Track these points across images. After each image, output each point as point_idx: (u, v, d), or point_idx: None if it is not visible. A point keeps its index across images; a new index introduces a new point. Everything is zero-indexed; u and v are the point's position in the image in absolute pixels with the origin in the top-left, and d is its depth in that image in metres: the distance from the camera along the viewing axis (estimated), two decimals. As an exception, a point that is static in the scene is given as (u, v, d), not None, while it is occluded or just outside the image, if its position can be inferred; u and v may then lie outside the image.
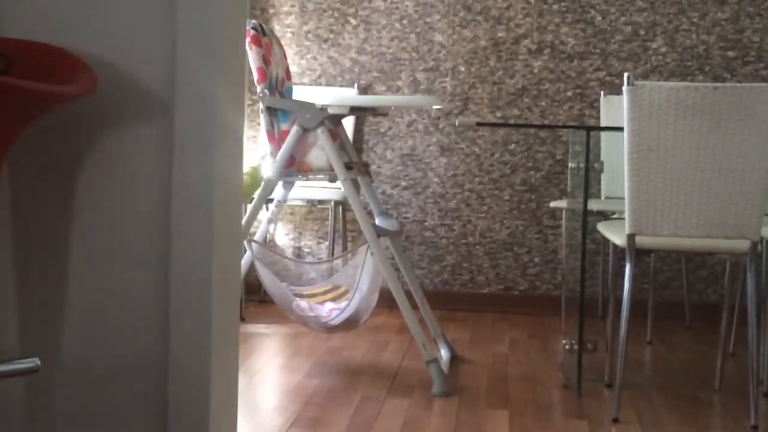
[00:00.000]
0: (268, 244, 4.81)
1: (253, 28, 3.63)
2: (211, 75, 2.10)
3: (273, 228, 5.12)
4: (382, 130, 5.07)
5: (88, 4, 2.11)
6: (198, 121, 2.10)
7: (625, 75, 3.01)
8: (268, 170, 3.65)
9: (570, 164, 3.64)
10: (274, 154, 3.63)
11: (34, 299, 2.16)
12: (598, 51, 4.94)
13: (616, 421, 3.09)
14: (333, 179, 3.63)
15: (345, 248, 4.97)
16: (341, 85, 5.08)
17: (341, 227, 5.01)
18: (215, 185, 2.11)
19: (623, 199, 3.12)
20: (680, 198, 3.05)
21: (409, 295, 3.63)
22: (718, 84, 2.99)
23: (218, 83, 2.11)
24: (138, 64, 2.11)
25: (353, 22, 5.07)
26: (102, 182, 2.13)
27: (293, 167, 3.64)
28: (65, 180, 2.13)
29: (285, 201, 3.87)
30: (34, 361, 1.89)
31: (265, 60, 3.64)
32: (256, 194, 3.66)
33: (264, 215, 4.20)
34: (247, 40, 3.59)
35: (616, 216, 4.18)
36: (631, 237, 3.12)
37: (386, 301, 3.98)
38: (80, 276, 2.15)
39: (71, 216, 2.13)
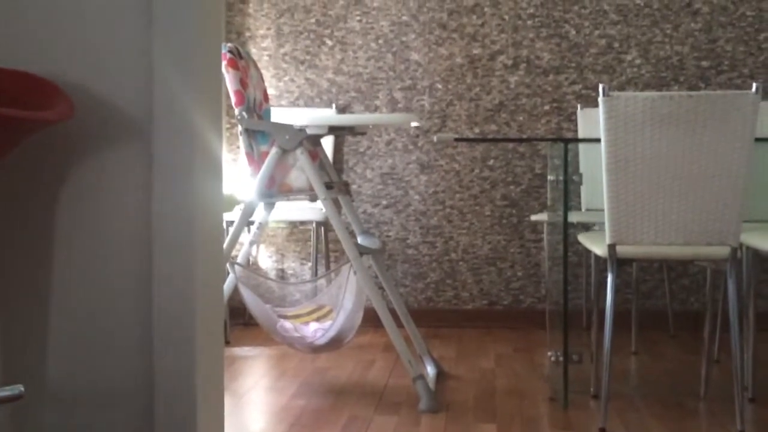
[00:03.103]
0: (250, 266, 4.81)
1: (229, 51, 3.64)
2: (189, 97, 2.10)
3: (255, 250, 5.12)
4: (362, 149, 5.09)
5: (63, 31, 2.11)
6: (176, 143, 2.10)
7: (601, 86, 3.04)
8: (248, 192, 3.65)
9: (549, 177, 3.66)
10: (254, 175, 3.64)
11: (17, 326, 2.15)
12: (573, 65, 4.98)
13: (603, 431, 3.10)
14: (313, 199, 3.64)
15: (328, 268, 4.97)
16: (319, 106, 5.10)
17: (324, 247, 5.01)
18: (196, 207, 2.12)
19: (603, 210, 3.14)
20: (659, 206, 3.07)
21: (393, 314, 3.63)
22: (693, 92, 3.01)
23: (196, 105, 2.11)
24: (115, 88, 2.11)
25: (329, 43, 5.09)
26: (82, 207, 2.13)
27: (274, 188, 3.64)
28: (45, 205, 2.13)
29: (266, 223, 3.87)
30: (18, 388, 1.88)
31: (243, 83, 3.65)
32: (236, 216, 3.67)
33: (246, 237, 4.20)
34: (224, 63, 3.60)
35: (597, 227, 4.20)
36: (611, 247, 3.14)
37: (371, 319, 3.98)
38: (63, 301, 2.15)
39: (52, 242, 2.13)
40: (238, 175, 5.04)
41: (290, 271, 5.16)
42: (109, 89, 2.11)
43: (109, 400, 2.16)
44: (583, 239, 3.58)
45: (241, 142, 3.67)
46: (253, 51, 5.11)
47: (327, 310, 3.81)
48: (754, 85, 3.00)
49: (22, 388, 1.88)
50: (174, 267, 2.10)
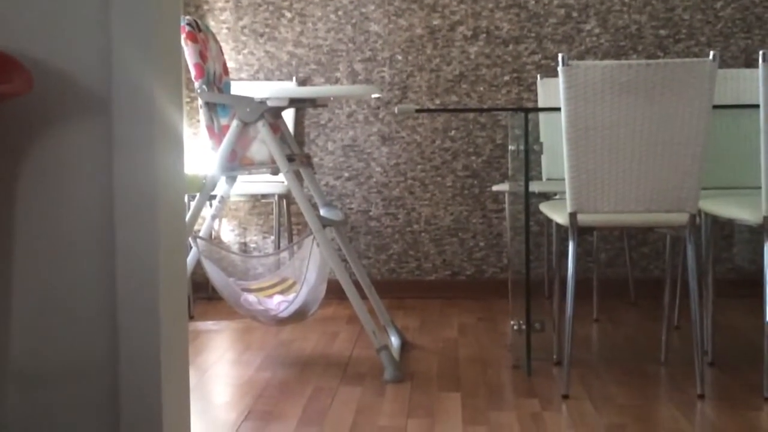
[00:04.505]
0: (213, 240, 4.80)
1: (188, 24, 3.61)
2: (148, 71, 2.09)
3: (217, 224, 5.11)
4: (323, 122, 5.08)
5: (20, 4, 2.09)
6: (137, 117, 2.09)
7: (560, 55, 3.05)
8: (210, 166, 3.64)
9: (510, 147, 3.67)
10: (215, 149, 3.62)
11: (-22, 304, 2.14)
12: (533, 35, 4.99)
13: (566, 397, 3.14)
14: (275, 172, 3.63)
15: (291, 241, 4.97)
16: (279, 79, 5.08)
17: (286, 221, 5.01)
18: (157, 181, 2.11)
19: (564, 180, 3.16)
20: (619, 174, 3.10)
21: (357, 285, 3.64)
22: (651, 61, 3.04)
23: (155, 79, 2.10)
24: (73, 61, 2.09)
25: (288, 15, 5.06)
26: (42, 183, 2.11)
27: (235, 162, 3.63)
28: (4, 181, 2.11)
29: (228, 196, 3.86)
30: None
31: (202, 56, 3.62)
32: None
33: (208, 211, 4.18)
34: (183, 36, 3.57)
35: (558, 197, 4.23)
36: (572, 215, 3.16)
37: (335, 292, 3.99)
38: (24, 278, 2.13)
39: (12, 218, 2.12)
40: (200, 149, 5.02)
41: (253, 245, 5.15)
42: (67, 62, 2.09)
43: (74, 377, 2.15)
44: (545, 208, 3.60)
45: (202, 115, 3.65)
46: (212, 24, 5.07)
47: (291, 283, 3.82)
48: (711, 53, 3.03)
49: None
50: (136, 241, 2.10)
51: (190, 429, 2.35)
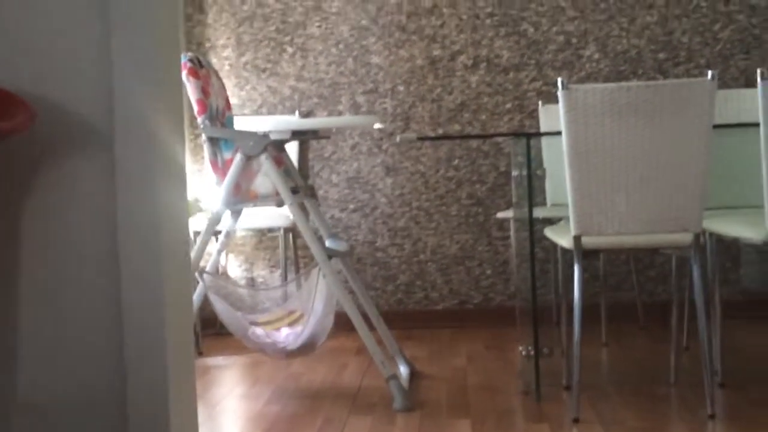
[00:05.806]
0: (220, 275, 4.80)
1: (189, 60, 3.64)
2: (149, 106, 2.11)
3: (224, 258, 5.12)
4: (327, 154, 5.10)
5: (22, 42, 2.11)
6: (139, 152, 2.11)
7: (559, 79, 3.07)
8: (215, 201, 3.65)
9: (513, 173, 3.68)
10: (219, 184, 3.64)
11: (-15, 341, 2.14)
12: (533, 62, 5.02)
13: (576, 421, 3.13)
14: (280, 204, 3.65)
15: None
16: (282, 113, 5.10)
17: (293, 254, 5.01)
18: (161, 214, 2.12)
19: (568, 204, 3.17)
20: (622, 196, 3.10)
21: (365, 317, 3.64)
22: (650, 82, 3.05)
23: (157, 113, 2.12)
24: (75, 98, 2.11)
25: (290, 50, 5.10)
26: (47, 218, 2.13)
27: (239, 196, 3.65)
28: (9, 218, 2.13)
29: (234, 231, 3.87)
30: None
31: (204, 91, 3.65)
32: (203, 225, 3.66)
33: (214, 246, 4.19)
34: (185, 72, 3.60)
35: (563, 222, 4.23)
36: (577, 238, 3.17)
37: (343, 324, 3.99)
38: (31, 314, 2.14)
39: (18, 255, 2.13)
40: (205, 184, 5.04)
41: (260, 279, 5.16)
42: (69, 99, 2.11)
43: (81, 411, 2.15)
44: (549, 232, 3.61)
45: (206, 150, 3.67)
46: (214, 61, 5.11)
47: (298, 315, 3.81)
48: (710, 72, 3.04)
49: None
50: (141, 271, 2.11)
51: (200, 461, 2.35)
